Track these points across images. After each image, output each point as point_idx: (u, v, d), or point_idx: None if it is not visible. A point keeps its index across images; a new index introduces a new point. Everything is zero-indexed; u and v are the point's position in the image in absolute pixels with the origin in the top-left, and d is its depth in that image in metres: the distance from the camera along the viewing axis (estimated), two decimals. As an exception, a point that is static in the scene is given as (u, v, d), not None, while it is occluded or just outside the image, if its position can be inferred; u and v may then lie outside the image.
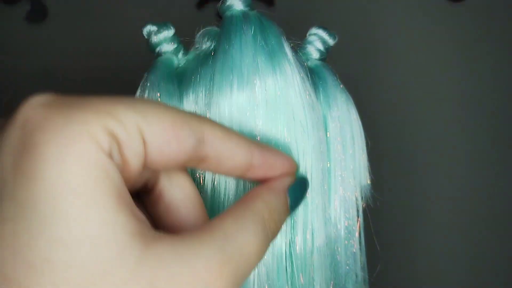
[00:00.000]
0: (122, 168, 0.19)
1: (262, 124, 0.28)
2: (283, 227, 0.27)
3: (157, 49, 0.33)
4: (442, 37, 0.73)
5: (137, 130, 0.19)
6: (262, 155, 0.24)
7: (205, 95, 0.30)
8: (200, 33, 0.34)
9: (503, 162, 0.72)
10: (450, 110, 0.72)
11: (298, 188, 0.26)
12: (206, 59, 0.31)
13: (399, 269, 0.70)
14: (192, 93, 0.31)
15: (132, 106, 0.19)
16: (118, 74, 0.65)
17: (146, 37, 0.34)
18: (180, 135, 0.20)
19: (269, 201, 0.23)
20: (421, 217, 0.72)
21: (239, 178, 0.26)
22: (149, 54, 0.34)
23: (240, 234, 0.20)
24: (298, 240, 0.28)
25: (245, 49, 0.28)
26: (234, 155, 0.23)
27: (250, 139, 0.25)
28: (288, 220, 0.28)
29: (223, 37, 0.30)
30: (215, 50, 0.31)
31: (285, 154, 0.26)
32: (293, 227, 0.28)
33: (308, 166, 0.28)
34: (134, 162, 0.19)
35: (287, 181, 0.25)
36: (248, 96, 0.28)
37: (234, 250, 0.20)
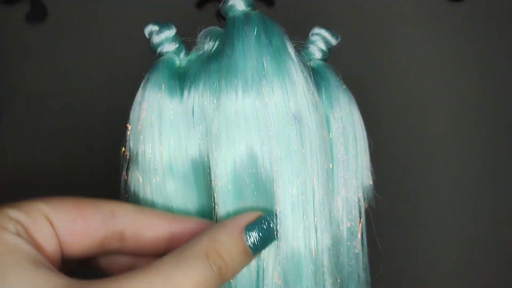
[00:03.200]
0: (38, 245, 0.23)
1: (269, 126, 0.28)
2: (300, 227, 0.28)
3: (159, 49, 0.33)
4: (442, 37, 0.73)
5: (42, 215, 0.24)
6: (179, 222, 0.27)
7: (205, 97, 0.30)
8: (201, 33, 0.34)
9: (505, 163, 0.72)
10: (452, 110, 0.72)
11: (259, 227, 0.26)
12: (209, 61, 0.31)
13: (401, 270, 0.70)
14: (194, 94, 0.31)
15: (40, 199, 0.24)
16: (118, 74, 0.65)
17: (147, 37, 0.34)
18: (85, 213, 0.25)
19: (215, 237, 0.25)
20: (423, 218, 0.72)
21: (167, 251, 0.27)
22: (151, 54, 0.34)
23: (176, 269, 0.22)
24: (312, 241, 0.28)
25: (248, 53, 0.28)
26: (151, 225, 0.26)
27: (163, 211, 0.28)
28: (301, 221, 0.28)
29: (226, 40, 0.29)
30: (218, 52, 0.31)
31: (199, 219, 0.28)
32: (306, 228, 0.28)
33: (314, 166, 0.28)
34: (49, 241, 0.24)
35: (244, 219, 0.26)
36: (253, 99, 0.28)
37: (166, 283, 0.22)
